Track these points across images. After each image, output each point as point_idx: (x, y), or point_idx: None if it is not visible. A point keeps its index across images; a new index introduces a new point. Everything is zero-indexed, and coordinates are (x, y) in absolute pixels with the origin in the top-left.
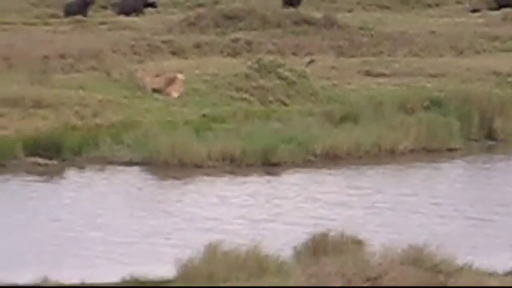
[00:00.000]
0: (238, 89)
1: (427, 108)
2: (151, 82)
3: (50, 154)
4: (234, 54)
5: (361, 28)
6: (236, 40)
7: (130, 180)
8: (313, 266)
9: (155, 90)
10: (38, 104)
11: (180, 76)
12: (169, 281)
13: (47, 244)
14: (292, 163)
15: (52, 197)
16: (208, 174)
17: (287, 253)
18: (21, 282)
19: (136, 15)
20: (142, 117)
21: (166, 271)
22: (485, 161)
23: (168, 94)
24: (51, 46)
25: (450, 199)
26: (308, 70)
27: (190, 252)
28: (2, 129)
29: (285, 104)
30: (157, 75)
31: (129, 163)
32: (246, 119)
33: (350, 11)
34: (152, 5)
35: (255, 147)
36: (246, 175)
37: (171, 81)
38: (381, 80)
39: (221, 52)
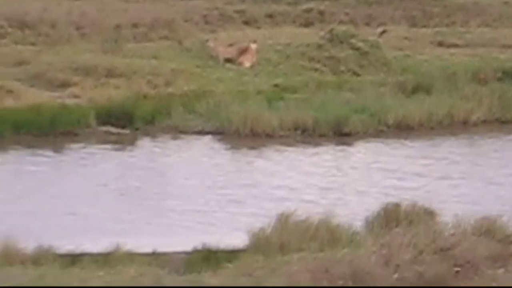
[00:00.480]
0: (310, 59)
1: (500, 79)
2: (223, 52)
3: (123, 123)
4: (307, 24)
5: None
6: (308, 10)
7: (202, 149)
8: (385, 236)
9: (228, 60)
10: (110, 73)
11: (252, 46)
12: (240, 250)
13: (122, 212)
14: (364, 133)
15: (124, 166)
16: (279, 144)
17: (358, 223)
18: (94, 250)
19: None
20: (214, 87)
21: (238, 240)
22: None
23: (240, 64)
24: (123, 16)
25: None
26: (380, 40)
27: (262, 222)
28: (75, 98)
29: (357, 74)
30: (229, 45)
31: (201, 132)
32: (318, 89)
33: None
34: None
35: (327, 117)
36: (317, 145)
37: (243, 51)
38: (453, 50)
39: (294, 22)
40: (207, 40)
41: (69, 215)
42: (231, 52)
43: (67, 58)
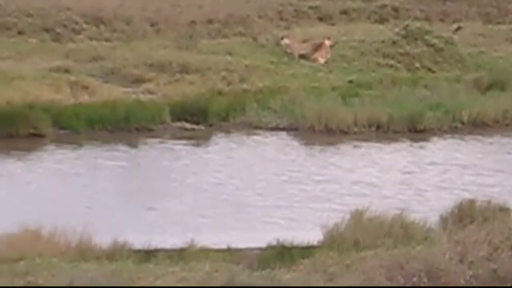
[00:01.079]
0: (385, 56)
1: None
2: (298, 48)
3: (197, 119)
4: (381, 20)
5: None
6: (383, 7)
7: (277, 146)
8: (459, 233)
9: (302, 56)
10: (185, 69)
11: (326, 42)
12: (314, 247)
13: (198, 207)
14: (439, 130)
15: (199, 162)
16: (354, 140)
17: (433, 220)
18: (169, 245)
19: None
20: (289, 83)
21: (312, 236)
22: None
23: (315, 60)
24: (198, 12)
25: None
26: (455, 36)
27: (336, 218)
28: (150, 94)
29: (432, 71)
30: (304, 41)
31: (275, 129)
32: (392, 85)
33: None
34: None
35: (402, 114)
36: (392, 141)
37: (318, 47)
38: None
39: (368, 18)
40: (282, 38)
41: (144, 211)
42: (305, 48)
43: (141, 54)
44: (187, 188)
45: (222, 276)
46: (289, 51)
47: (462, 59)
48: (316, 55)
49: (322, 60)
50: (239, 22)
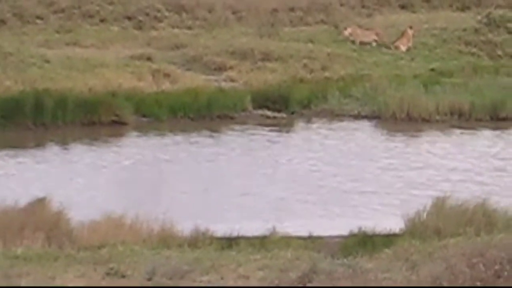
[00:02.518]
0: (467, 43)
1: None
2: (361, 35)
3: (279, 107)
4: (463, 8)
5: None
6: None
7: (359, 133)
8: None
9: (365, 43)
10: (266, 57)
11: (409, 30)
12: (396, 235)
13: (288, 195)
14: None
15: (283, 149)
16: (436, 128)
17: None
18: (251, 233)
19: None
20: (371, 71)
21: (394, 224)
22: None
23: (397, 48)
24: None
25: None
26: None
27: (418, 206)
28: (232, 82)
29: None
30: (367, 29)
31: (357, 116)
32: (474, 73)
33: None
34: None
35: (484, 102)
36: (474, 129)
37: (381, 35)
38: None
39: (450, 6)
40: (345, 28)
41: (226, 198)
42: (368, 36)
43: (223, 42)
44: (272, 175)
45: (304, 264)
46: (351, 39)
47: None
48: (397, 42)
49: (403, 48)
50: (321, 10)
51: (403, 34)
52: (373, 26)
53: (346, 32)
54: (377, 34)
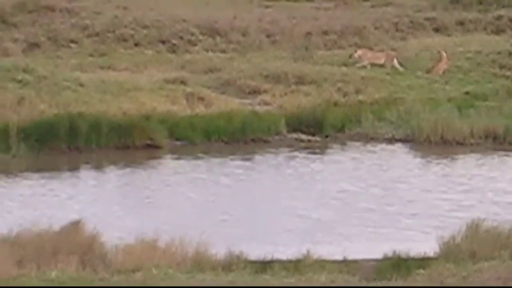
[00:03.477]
0: (501, 67)
1: None
2: (371, 57)
3: (313, 130)
4: (498, 31)
5: None
6: (499, 17)
7: (393, 157)
8: None
9: (374, 65)
10: (300, 80)
11: (444, 54)
12: (430, 258)
13: (318, 218)
14: None
15: (316, 172)
16: (470, 152)
17: None
18: (285, 256)
19: None
20: (405, 94)
21: (429, 248)
22: None
23: (437, 73)
24: (314, 23)
25: None
26: None
27: (452, 229)
28: (266, 105)
29: None
30: (378, 51)
31: (391, 140)
32: (509, 96)
33: None
34: None
35: None
36: (509, 152)
37: (392, 57)
38: None
39: (485, 29)
40: (355, 50)
41: (260, 222)
42: (378, 58)
43: (257, 65)
44: (306, 198)
45: None
46: (361, 61)
47: None
48: (436, 68)
49: (440, 72)
50: (355, 33)
51: (440, 59)
52: (429, 47)
53: (356, 55)
54: (387, 56)
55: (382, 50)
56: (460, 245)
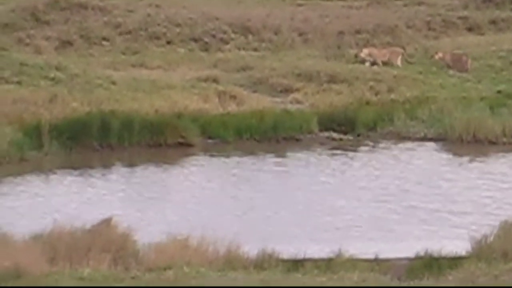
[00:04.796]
0: None
1: None
2: (379, 55)
3: (345, 129)
4: None
5: None
6: None
7: (426, 155)
8: None
9: (384, 63)
10: (332, 79)
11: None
12: (462, 258)
13: (350, 218)
14: None
15: (349, 170)
16: (503, 151)
17: None
18: (317, 255)
19: None
20: (437, 93)
21: (460, 247)
22: None
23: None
24: (346, 22)
25: None
26: None
27: (485, 229)
28: (298, 104)
29: None
30: (383, 48)
31: (423, 139)
32: None
33: None
34: None
35: None
36: None
37: (398, 54)
38: None
39: None
40: (361, 50)
41: (293, 220)
42: (385, 55)
43: (289, 64)
44: (339, 197)
45: (370, 286)
46: (369, 59)
47: None
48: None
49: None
50: (387, 32)
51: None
52: (462, 46)
53: (362, 54)
54: (392, 53)
55: (386, 47)
56: (492, 244)
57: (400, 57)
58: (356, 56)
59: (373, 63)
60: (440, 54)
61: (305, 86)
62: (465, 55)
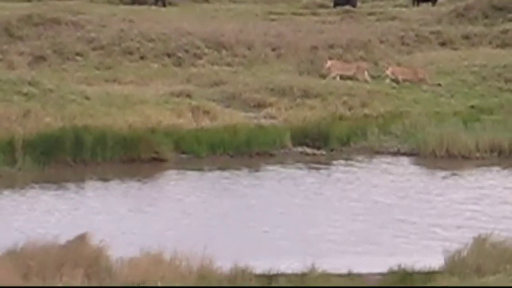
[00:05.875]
0: (507, 81)
1: None
2: (341, 68)
3: (318, 144)
4: (503, 45)
5: None
6: (505, 31)
7: (399, 170)
8: None
9: (346, 77)
10: (306, 94)
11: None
12: (436, 272)
13: (322, 232)
14: None
15: (321, 186)
16: (476, 166)
17: None
18: (290, 270)
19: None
20: (410, 108)
21: (434, 262)
22: None
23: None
24: (319, 36)
25: None
26: None
27: (457, 244)
28: (271, 119)
29: None
30: (348, 62)
31: (397, 153)
32: None
33: None
34: None
35: None
36: None
37: (363, 69)
38: None
39: (490, 43)
40: (326, 61)
41: (265, 236)
42: (349, 69)
43: (263, 79)
44: (309, 212)
45: None
46: (332, 72)
47: None
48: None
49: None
50: (360, 47)
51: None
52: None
53: (327, 66)
54: (357, 68)
55: (351, 61)
56: (466, 259)
57: (366, 72)
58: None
59: (336, 76)
60: (390, 69)
61: (279, 101)
62: (420, 67)
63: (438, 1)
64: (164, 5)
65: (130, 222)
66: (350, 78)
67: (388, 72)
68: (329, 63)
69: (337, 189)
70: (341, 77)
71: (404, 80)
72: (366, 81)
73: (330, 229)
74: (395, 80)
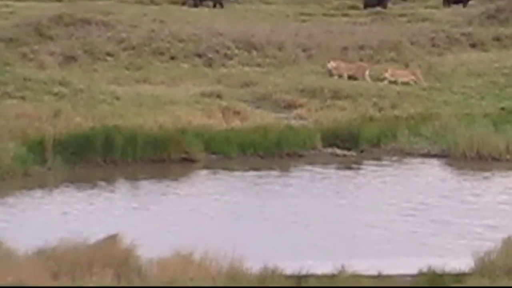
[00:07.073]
0: None
1: None
2: (345, 69)
3: (348, 145)
4: None
5: None
6: None
7: (429, 172)
8: None
9: (350, 77)
10: (336, 95)
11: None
12: (465, 274)
13: (353, 234)
14: None
15: (352, 187)
16: (506, 168)
17: None
18: (320, 271)
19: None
20: (441, 109)
21: (464, 264)
22: None
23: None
24: (350, 38)
25: None
26: None
27: (488, 246)
28: (301, 120)
29: None
30: (350, 63)
31: (427, 155)
32: None
33: None
34: None
35: None
36: None
37: (363, 69)
38: None
39: None
40: (328, 61)
41: (296, 236)
42: (352, 69)
43: (293, 80)
44: (341, 213)
45: None
46: (335, 72)
47: None
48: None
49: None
50: (391, 48)
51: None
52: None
53: (329, 66)
54: (358, 68)
55: (354, 62)
56: (496, 261)
57: (367, 72)
58: (323, 67)
59: (340, 76)
60: (333, 64)
61: (309, 102)
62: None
63: (469, 2)
64: (222, 6)
65: (160, 222)
66: (351, 77)
67: (387, 74)
68: (332, 63)
69: (369, 191)
70: (339, 77)
71: (403, 82)
72: (366, 81)
73: (360, 230)
74: (394, 82)
